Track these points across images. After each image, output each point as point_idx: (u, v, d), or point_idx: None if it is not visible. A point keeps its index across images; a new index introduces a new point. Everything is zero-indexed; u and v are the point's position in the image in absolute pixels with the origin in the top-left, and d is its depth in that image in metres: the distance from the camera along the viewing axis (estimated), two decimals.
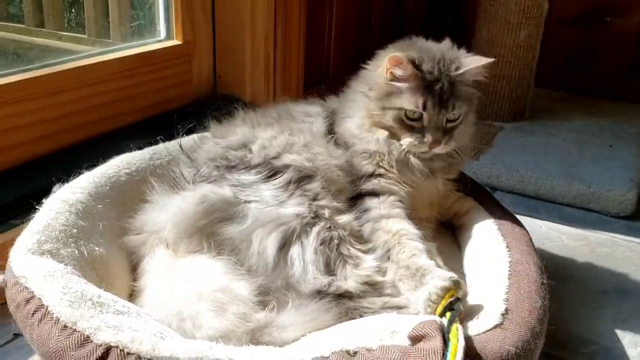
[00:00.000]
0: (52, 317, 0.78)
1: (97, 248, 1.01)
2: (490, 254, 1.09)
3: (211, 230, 0.98)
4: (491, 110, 2.11)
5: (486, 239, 1.15)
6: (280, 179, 1.03)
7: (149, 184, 1.13)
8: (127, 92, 1.59)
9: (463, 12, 2.20)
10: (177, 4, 1.72)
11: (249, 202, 1.01)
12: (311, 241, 0.94)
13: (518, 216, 1.59)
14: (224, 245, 0.97)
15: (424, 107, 1.07)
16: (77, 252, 0.96)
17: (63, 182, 1.11)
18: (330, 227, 0.98)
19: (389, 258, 1.01)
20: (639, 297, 1.31)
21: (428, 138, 1.08)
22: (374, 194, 1.11)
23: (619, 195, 1.64)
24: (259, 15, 1.79)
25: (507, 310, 0.89)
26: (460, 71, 1.08)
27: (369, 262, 0.96)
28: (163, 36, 1.77)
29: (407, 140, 1.10)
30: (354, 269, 0.94)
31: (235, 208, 1.00)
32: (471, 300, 1.00)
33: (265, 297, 0.92)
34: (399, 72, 1.07)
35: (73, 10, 2.28)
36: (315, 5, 1.99)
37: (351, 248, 0.97)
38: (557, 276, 1.35)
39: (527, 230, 1.19)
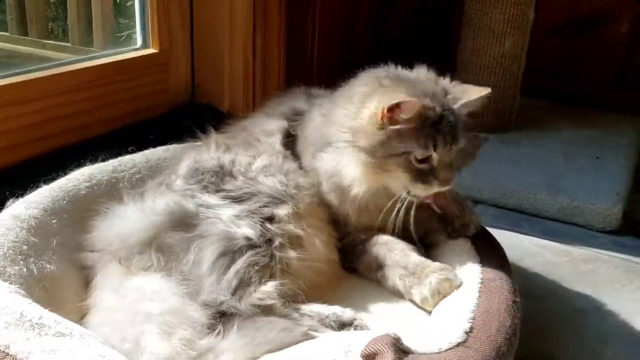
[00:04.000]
0: None
1: (48, 265, 0.97)
2: (463, 270, 1.06)
3: (161, 240, 0.97)
4: (476, 121, 2.06)
5: (459, 256, 1.11)
6: (246, 206, 1.02)
7: (109, 198, 1.10)
8: (99, 101, 1.55)
9: (450, 20, 2.17)
10: (154, 12, 1.68)
11: (208, 217, 1.00)
12: (241, 261, 0.94)
13: (500, 230, 1.57)
14: (166, 252, 0.96)
15: (435, 148, 1.00)
16: (25, 270, 0.92)
17: (18, 197, 1.08)
18: (268, 254, 0.97)
19: (383, 266, 1.05)
20: (620, 317, 1.27)
21: (442, 178, 1.02)
22: None
23: (604, 210, 1.60)
24: (237, 24, 1.75)
25: (471, 328, 0.86)
26: (462, 103, 1.04)
27: (267, 288, 0.94)
28: (139, 44, 1.73)
29: (419, 188, 1.02)
30: (253, 293, 0.93)
31: (191, 220, 0.99)
32: (437, 317, 0.98)
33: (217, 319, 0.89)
34: (403, 116, 0.98)
35: (57, 19, 2.26)
36: (298, 13, 1.96)
37: (266, 276, 0.95)
38: (538, 294, 1.32)
39: (501, 247, 1.15)
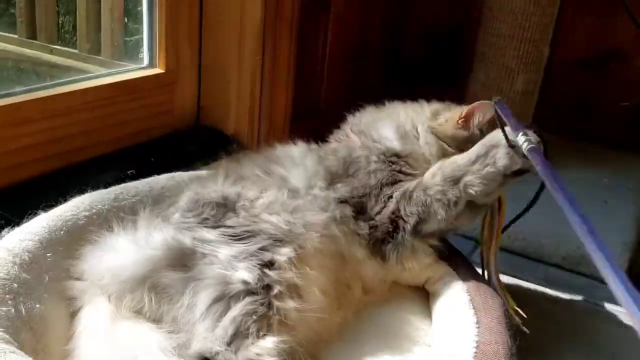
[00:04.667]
0: None
1: (37, 305, 0.94)
2: (458, 331, 1.03)
3: (156, 279, 0.93)
4: None
5: (456, 312, 1.08)
6: (245, 246, 0.98)
7: (106, 227, 1.06)
8: (102, 122, 1.53)
9: (462, 50, 2.14)
10: (162, 32, 1.66)
11: (205, 255, 0.96)
12: (238, 307, 0.89)
13: (501, 276, 1.54)
14: (159, 292, 0.92)
15: None
16: (13, 310, 0.89)
17: (13, 226, 1.05)
18: (266, 303, 0.92)
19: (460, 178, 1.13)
20: None
21: None
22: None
23: None
24: (246, 48, 1.73)
25: None
26: None
27: (267, 344, 0.89)
28: (146, 64, 1.71)
29: None
30: (250, 346, 0.87)
31: (188, 258, 0.95)
32: None
33: None
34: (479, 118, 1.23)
35: (66, 24, 2.25)
36: (308, 39, 1.94)
37: (264, 328, 0.90)
38: (533, 351, 1.27)
39: (501, 304, 1.12)
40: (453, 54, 2.48)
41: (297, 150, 1.25)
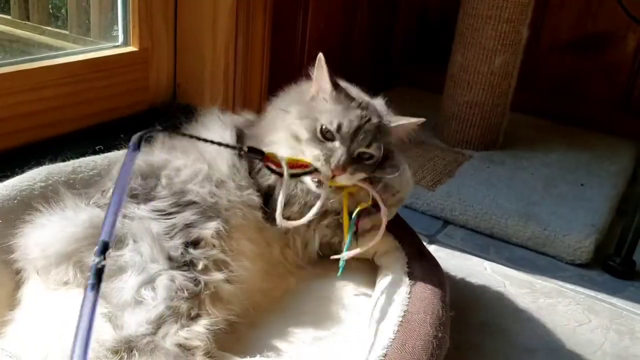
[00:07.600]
0: None
1: None
2: (392, 301, 1.04)
3: (80, 256, 0.94)
4: (461, 137, 2.02)
5: (394, 283, 1.10)
6: (173, 220, 0.99)
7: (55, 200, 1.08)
8: (73, 98, 1.56)
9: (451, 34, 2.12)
10: (135, 11, 1.68)
11: (132, 234, 0.96)
12: (165, 290, 0.90)
13: (465, 255, 1.55)
14: (85, 269, 0.92)
15: (339, 129, 1.06)
16: None
17: None
18: (195, 279, 0.93)
19: None
20: (569, 358, 1.23)
21: (336, 158, 1.04)
22: None
23: (575, 241, 1.55)
24: (220, 26, 1.74)
25: None
26: (395, 124, 1.12)
27: (198, 328, 0.89)
28: (120, 42, 1.73)
29: (314, 152, 1.06)
30: (179, 330, 0.87)
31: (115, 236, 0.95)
32: (352, 353, 0.97)
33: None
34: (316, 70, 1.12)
35: (58, 6, 2.27)
36: (287, 17, 1.93)
37: (194, 309, 0.90)
38: (486, 329, 1.28)
39: (441, 272, 1.14)
40: (444, 39, 2.47)
41: (225, 121, 1.24)
